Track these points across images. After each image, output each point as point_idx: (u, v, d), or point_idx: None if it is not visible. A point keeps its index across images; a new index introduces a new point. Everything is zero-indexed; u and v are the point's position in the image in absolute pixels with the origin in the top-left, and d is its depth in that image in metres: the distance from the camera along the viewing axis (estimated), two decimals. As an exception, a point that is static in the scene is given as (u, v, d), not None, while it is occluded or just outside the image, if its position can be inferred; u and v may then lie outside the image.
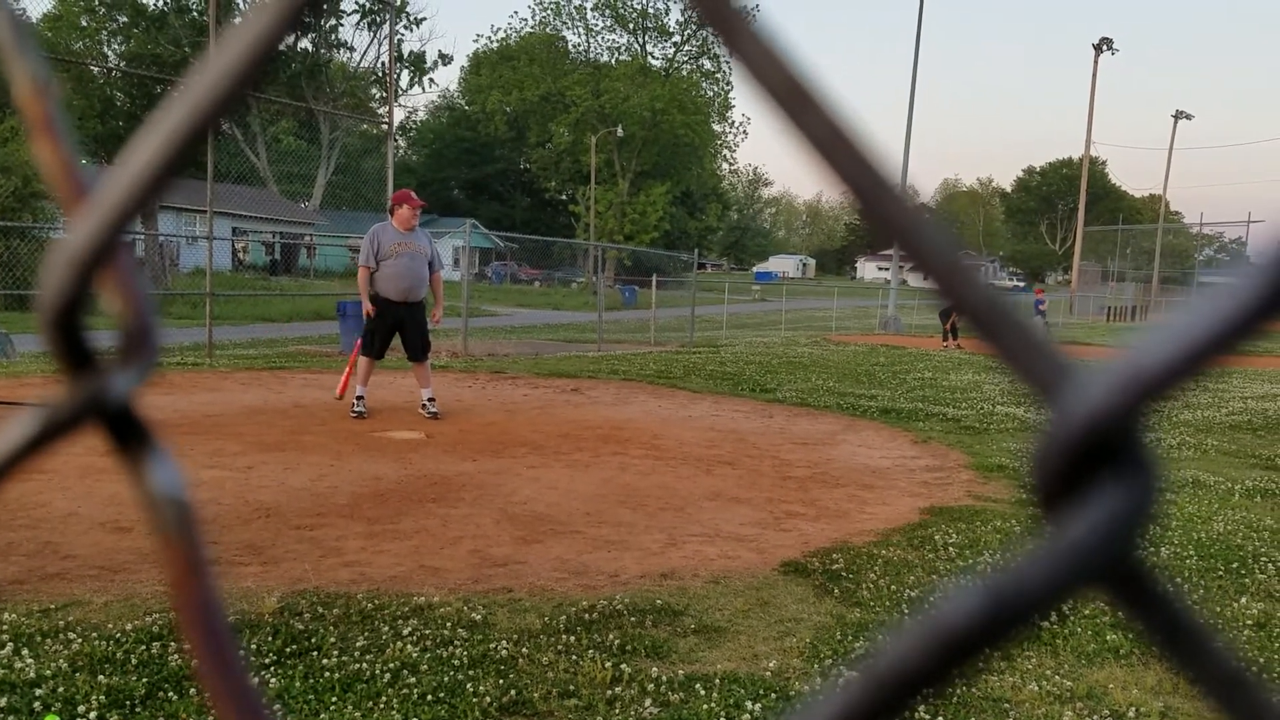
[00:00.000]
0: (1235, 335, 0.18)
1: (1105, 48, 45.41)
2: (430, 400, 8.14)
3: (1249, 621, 3.93)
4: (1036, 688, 3.18)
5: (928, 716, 2.94)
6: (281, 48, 0.23)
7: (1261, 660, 3.52)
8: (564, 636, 3.43)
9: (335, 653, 3.18)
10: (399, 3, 44.74)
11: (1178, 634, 0.20)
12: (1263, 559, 4.80)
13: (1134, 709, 3.07)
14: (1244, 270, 0.18)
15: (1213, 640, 0.20)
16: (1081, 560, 0.19)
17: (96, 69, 34.67)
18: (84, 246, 0.24)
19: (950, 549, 4.76)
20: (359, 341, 8.09)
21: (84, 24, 37.82)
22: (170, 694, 2.85)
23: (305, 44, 42.55)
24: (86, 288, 0.24)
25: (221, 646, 0.24)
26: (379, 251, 7.82)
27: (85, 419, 0.25)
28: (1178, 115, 51.83)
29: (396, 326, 7.99)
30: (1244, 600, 4.19)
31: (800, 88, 0.19)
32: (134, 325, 0.25)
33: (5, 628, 3.24)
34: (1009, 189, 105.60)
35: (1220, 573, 4.57)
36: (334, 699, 2.88)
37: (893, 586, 4.16)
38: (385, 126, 16.00)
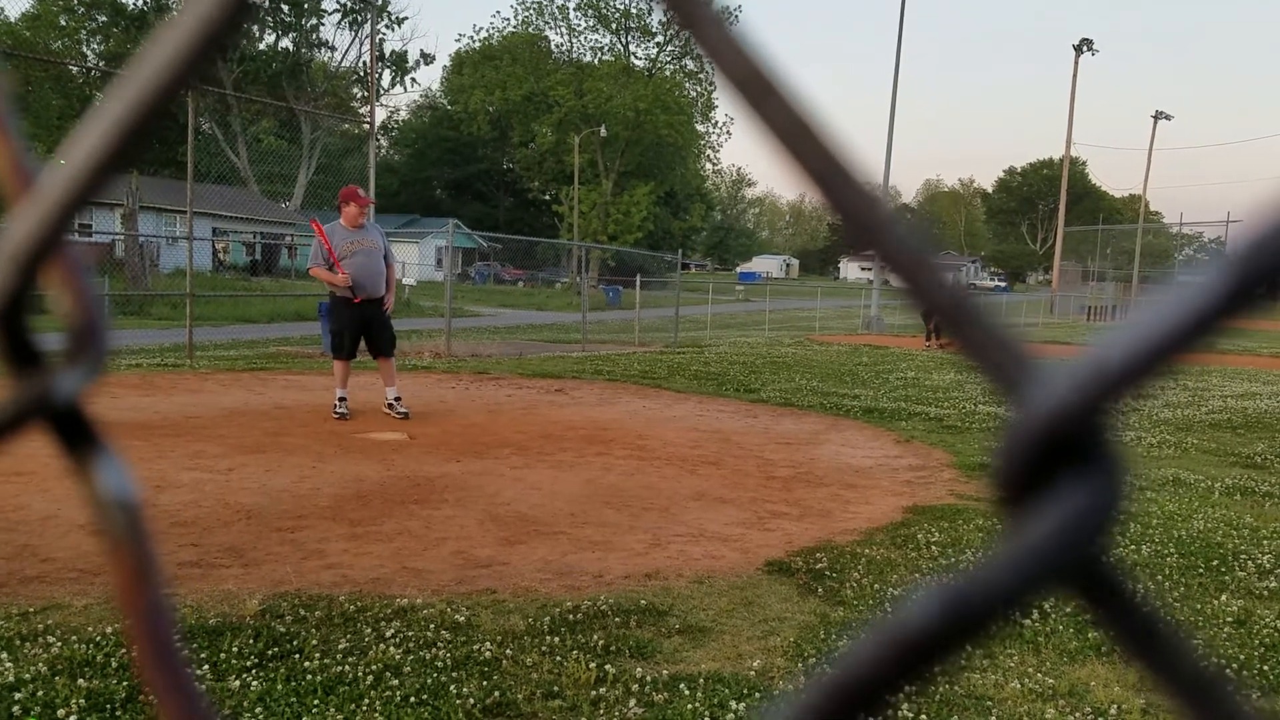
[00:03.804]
0: (1198, 333, 0.17)
1: (1085, 49, 45.69)
2: (397, 399, 8.06)
3: (1229, 619, 3.96)
4: (1019, 685, 3.19)
5: (910, 714, 2.95)
6: (227, 39, 0.23)
7: (1241, 657, 3.55)
8: (548, 637, 3.43)
9: (317, 655, 3.17)
10: (380, 2, 44.59)
11: (1143, 634, 0.19)
12: (1242, 556, 4.84)
13: (1115, 706, 3.09)
14: (1206, 268, 0.17)
15: (1179, 640, 0.19)
16: (1043, 561, 0.18)
17: (76, 68, 34.44)
18: (28, 241, 0.23)
19: (933, 547, 4.78)
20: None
21: (63, 23, 37.54)
22: (151, 698, 2.82)
23: (286, 43, 42.36)
24: (31, 283, 0.24)
25: (168, 653, 0.23)
26: (332, 250, 7.77)
27: (30, 419, 0.24)
28: (1157, 116, 52.19)
29: (366, 324, 7.94)
30: (1224, 598, 4.22)
31: (762, 76, 0.19)
32: (81, 323, 0.24)
33: (-18, 632, 3.21)
34: (990, 189, 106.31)
35: (1200, 570, 4.60)
36: (316, 701, 2.86)
37: (876, 585, 4.17)
38: (367, 126, 15.94)
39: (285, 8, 44.32)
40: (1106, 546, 0.19)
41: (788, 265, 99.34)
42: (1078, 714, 3.03)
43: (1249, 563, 4.74)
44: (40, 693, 2.81)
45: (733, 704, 2.97)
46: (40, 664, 2.99)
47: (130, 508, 0.24)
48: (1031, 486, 0.19)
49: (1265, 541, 5.17)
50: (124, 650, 3.11)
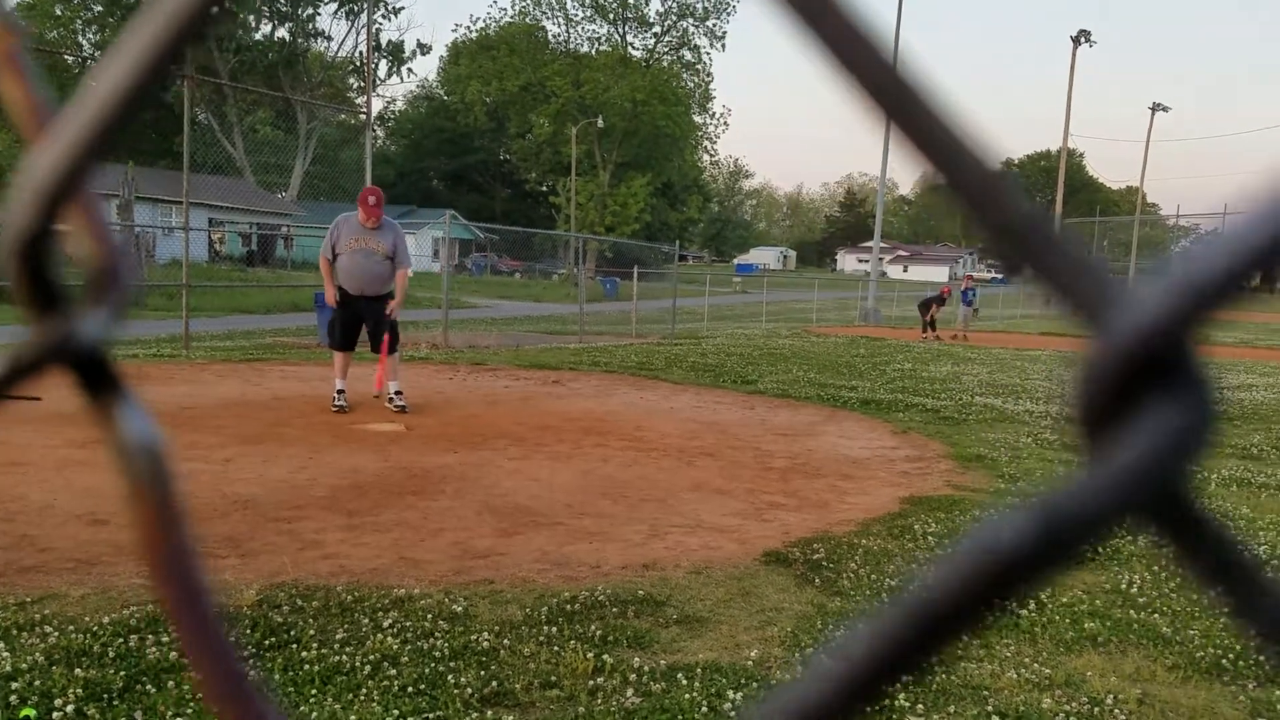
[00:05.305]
0: None
1: (1083, 40, 45.61)
2: (397, 393, 8.01)
3: (1226, 610, 3.96)
4: (1015, 675, 3.20)
5: (906, 704, 2.95)
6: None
7: (1237, 648, 3.55)
8: (546, 627, 3.43)
9: (315, 645, 3.16)
10: (377, -8, 44.42)
11: (1228, 569, 0.19)
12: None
13: (1111, 696, 3.09)
14: None
15: (1263, 575, 0.19)
16: (1135, 484, 0.18)
17: (71, 58, 34.30)
18: (49, 176, 0.22)
19: (929, 538, 4.79)
20: (385, 338, 7.91)
21: (58, 13, 37.37)
22: (148, 687, 2.82)
23: (282, 33, 42.26)
24: (52, 221, 0.23)
25: (198, 600, 0.22)
26: (336, 243, 7.75)
27: (52, 363, 0.24)
28: (1155, 107, 52.16)
29: (359, 318, 7.89)
30: (1220, 588, 4.23)
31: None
32: (102, 265, 0.24)
33: (-21, 621, 3.21)
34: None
35: (1196, 561, 4.61)
36: (314, 691, 2.86)
37: (873, 575, 4.18)
38: (363, 116, 15.89)
39: (282, -2, 44.25)
40: (1193, 473, 0.18)
41: (785, 257, 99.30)
42: (1074, 704, 3.04)
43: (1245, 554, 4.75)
44: (37, 682, 2.80)
45: (730, 693, 2.97)
46: (37, 654, 2.98)
47: (154, 452, 0.24)
48: (1116, 411, 0.18)
49: (1262, 533, 5.18)
50: (121, 640, 3.11)
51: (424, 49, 49.92)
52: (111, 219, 24.74)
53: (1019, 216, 0.17)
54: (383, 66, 47.87)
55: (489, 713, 2.81)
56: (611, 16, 57.91)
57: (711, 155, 70.61)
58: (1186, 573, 0.19)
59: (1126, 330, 0.18)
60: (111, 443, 0.24)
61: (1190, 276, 0.17)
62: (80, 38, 39.12)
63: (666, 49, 58.75)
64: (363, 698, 2.84)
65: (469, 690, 2.91)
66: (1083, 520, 0.17)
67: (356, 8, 43.04)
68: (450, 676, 2.99)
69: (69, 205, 0.23)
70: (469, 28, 66.41)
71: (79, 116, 0.22)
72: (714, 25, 58.44)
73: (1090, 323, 0.18)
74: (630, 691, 2.96)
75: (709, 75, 60.72)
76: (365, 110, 15.69)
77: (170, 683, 2.85)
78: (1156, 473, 0.17)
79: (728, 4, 57.74)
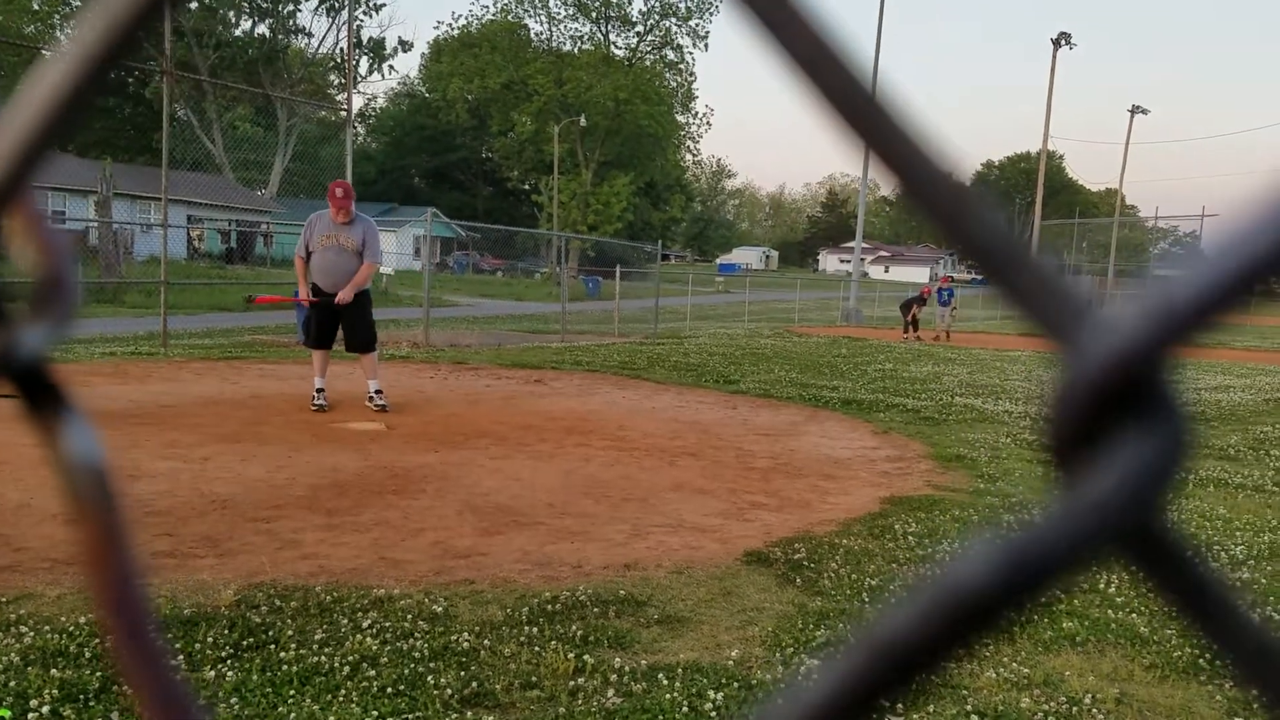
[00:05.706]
0: (1273, 264, 0.16)
1: (1064, 42, 45.85)
2: (377, 392, 7.94)
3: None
4: (994, 675, 3.21)
5: (884, 702, 2.96)
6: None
7: (1213, 648, 3.59)
8: (526, 628, 3.42)
9: (293, 645, 3.14)
10: (359, -12, 44.24)
11: (1204, 602, 0.18)
12: (1216, 548, 4.89)
13: (1090, 695, 3.11)
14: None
15: (1242, 610, 0.18)
16: (1105, 518, 0.17)
17: (49, 53, 34.00)
18: None
19: (910, 538, 4.80)
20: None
21: (36, 7, 37.01)
22: (125, 688, 2.80)
23: (262, 29, 42.00)
24: None
25: (139, 620, 0.22)
26: (310, 241, 7.68)
27: None
28: (1134, 110, 52.52)
29: (334, 316, 7.79)
30: (1196, 587, 4.26)
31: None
32: (47, 274, 0.23)
33: (-48, 622, 3.17)
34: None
35: (1174, 560, 4.65)
36: (292, 692, 2.84)
37: (854, 575, 4.19)
38: (344, 113, 15.80)
39: (262, -7, 44.01)
40: (1166, 505, 0.17)
41: (767, 257, 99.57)
42: (1052, 703, 3.05)
43: (1222, 554, 4.79)
44: (12, 683, 2.77)
45: (711, 693, 2.97)
46: (13, 654, 2.95)
47: (97, 470, 0.23)
48: (1089, 439, 0.17)
49: (1238, 533, 5.23)
50: (97, 640, 3.08)
51: (405, 46, 49.77)
52: (90, 215, 24.52)
53: (989, 235, 0.16)
54: (364, 63, 47.69)
55: (469, 713, 2.80)
56: (594, 15, 57.85)
57: (694, 155, 70.73)
58: (1164, 604, 0.19)
59: (1100, 356, 0.17)
60: (55, 460, 0.23)
61: (1166, 302, 0.17)
62: (59, 33, 38.76)
63: (649, 48, 58.76)
64: (341, 699, 2.82)
65: (449, 691, 2.90)
66: (1052, 557, 0.16)
67: (337, 4, 42.86)
68: (430, 677, 2.98)
69: (11, 209, 0.21)
70: (451, 25, 66.27)
71: (19, 115, 0.21)
72: (697, 25, 58.47)
73: (1062, 346, 0.17)
74: (611, 692, 2.95)
75: (692, 75, 60.72)
76: (346, 107, 15.60)
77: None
78: (1129, 506, 0.17)
79: (711, 4, 57.74)
